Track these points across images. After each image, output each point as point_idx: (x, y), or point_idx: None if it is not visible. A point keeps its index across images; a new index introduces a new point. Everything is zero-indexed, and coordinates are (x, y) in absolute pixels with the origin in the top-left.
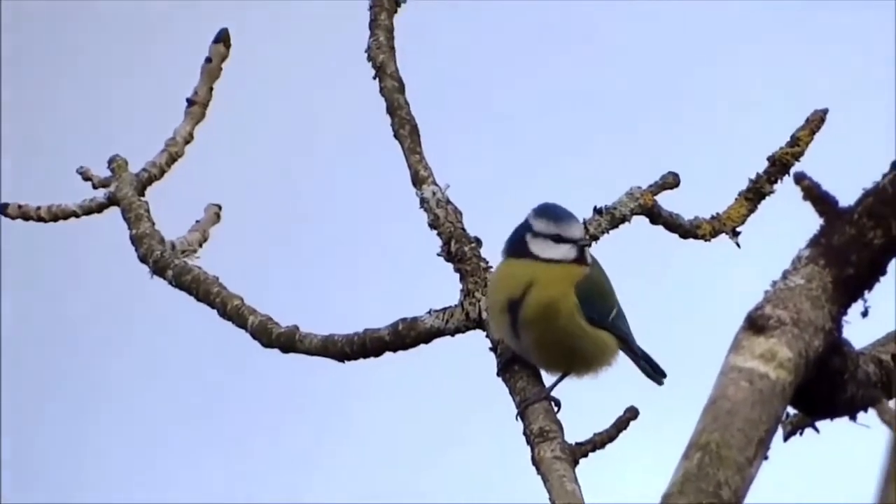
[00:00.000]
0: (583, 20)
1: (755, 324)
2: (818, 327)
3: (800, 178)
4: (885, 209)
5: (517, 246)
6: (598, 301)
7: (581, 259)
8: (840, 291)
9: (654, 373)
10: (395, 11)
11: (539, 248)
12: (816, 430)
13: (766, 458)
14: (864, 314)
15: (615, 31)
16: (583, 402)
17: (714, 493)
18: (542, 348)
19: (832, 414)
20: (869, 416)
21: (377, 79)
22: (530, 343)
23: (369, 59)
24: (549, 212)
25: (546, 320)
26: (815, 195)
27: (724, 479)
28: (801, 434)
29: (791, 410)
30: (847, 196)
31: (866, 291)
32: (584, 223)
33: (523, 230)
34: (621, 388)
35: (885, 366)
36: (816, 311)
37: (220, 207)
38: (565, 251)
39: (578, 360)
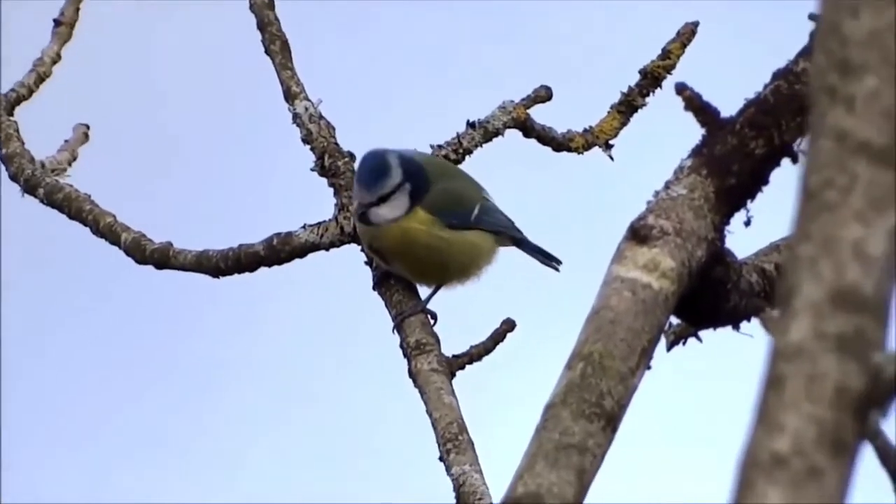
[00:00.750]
0: None
1: (638, 234)
2: (701, 237)
3: (681, 89)
4: (767, 119)
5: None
6: (452, 205)
7: (363, 223)
8: (723, 201)
9: (549, 259)
10: None
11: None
12: (699, 339)
13: (648, 367)
14: (747, 224)
15: None
16: (461, 315)
17: (597, 402)
18: (414, 271)
19: (715, 323)
20: (752, 326)
21: None
22: (403, 270)
23: None
24: (358, 167)
25: (407, 249)
26: (697, 105)
27: (606, 388)
28: (683, 344)
29: (674, 320)
30: (726, 109)
31: (749, 201)
32: (458, 137)
33: None
34: (501, 301)
35: (769, 275)
36: (699, 221)
37: (88, 127)
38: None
39: (453, 269)
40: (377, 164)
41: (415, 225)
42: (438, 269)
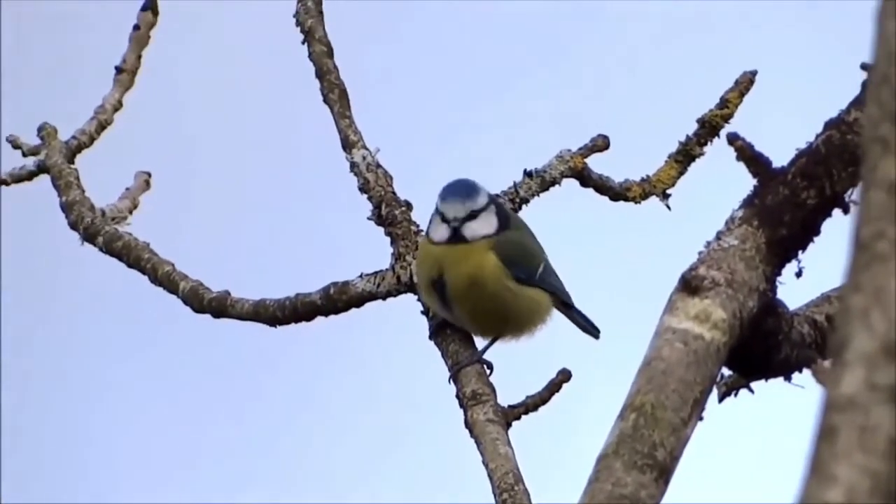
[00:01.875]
0: None
1: (689, 285)
2: (752, 288)
3: (733, 139)
4: (819, 169)
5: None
6: (522, 259)
7: (454, 239)
8: (774, 252)
9: (589, 327)
10: None
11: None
12: (751, 390)
13: (700, 418)
14: (798, 275)
15: None
16: (516, 365)
17: (649, 453)
18: (475, 317)
19: (767, 374)
20: (803, 377)
21: (306, 43)
22: (463, 315)
23: (297, 24)
24: (444, 189)
25: (474, 291)
26: (749, 156)
27: (659, 440)
28: (735, 395)
29: (726, 371)
30: (780, 158)
31: (800, 252)
32: (515, 187)
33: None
34: (556, 352)
35: (820, 326)
36: (750, 272)
37: (149, 175)
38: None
39: (513, 322)
40: (466, 183)
41: (489, 267)
42: (500, 319)
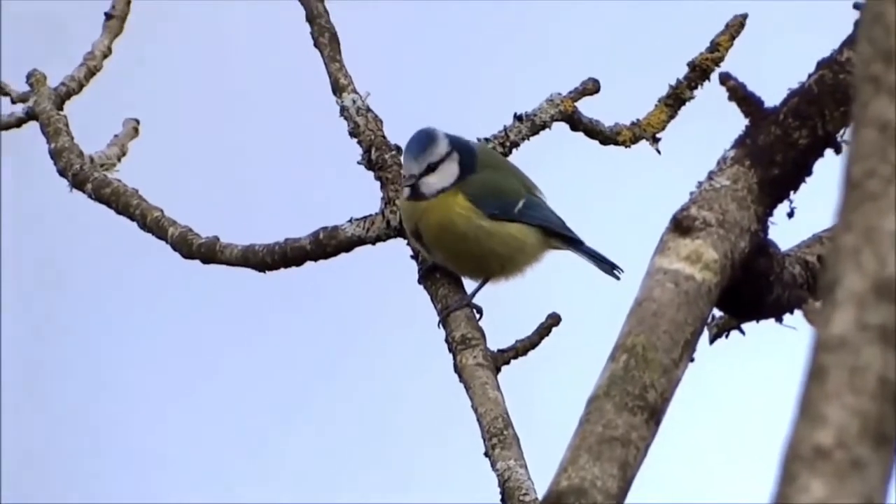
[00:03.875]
0: None
1: (681, 225)
2: (744, 228)
3: (725, 79)
4: (811, 109)
5: None
6: (492, 195)
7: (413, 196)
8: (765, 192)
9: (607, 265)
10: None
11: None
12: (742, 332)
13: (691, 359)
14: (790, 215)
15: None
16: (507, 309)
17: (640, 395)
18: (455, 259)
19: (758, 316)
20: (795, 318)
21: None
22: (444, 257)
23: None
24: (406, 145)
25: (446, 236)
26: (741, 95)
27: (650, 381)
28: (726, 336)
29: (717, 312)
30: (772, 99)
31: (792, 192)
32: (505, 130)
33: None
34: (546, 295)
35: (811, 267)
36: (742, 212)
37: (138, 122)
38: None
39: (494, 260)
40: (424, 134)
41: (455, 210)
42: (478, 259)
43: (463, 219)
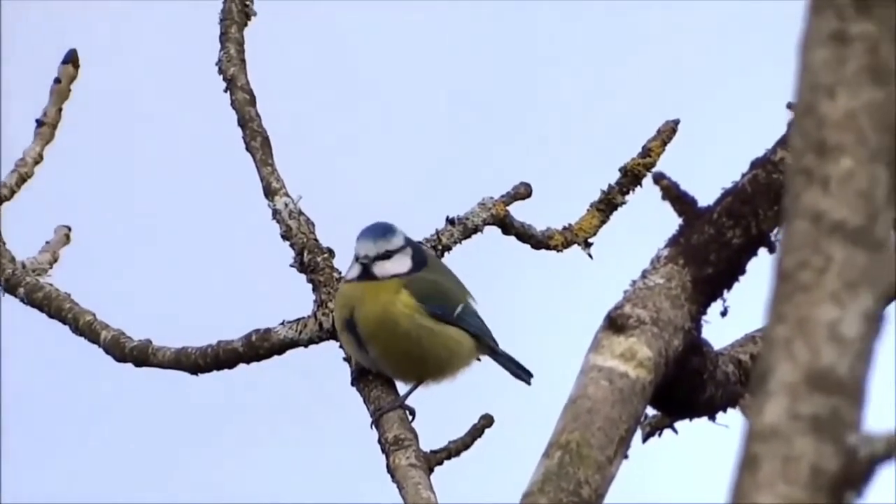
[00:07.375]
0: (431, 21)
1: (615, 323)
2: (678, 326)
3: (658, 178)
4: (744, 208)
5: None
6: (437, 296)
7: (364, 276)
8: (699, 291)
9: (520, 371)
10: (246, 25)
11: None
12: (675, 430)
13: (626, 457)
14: (724, 314)
15: (464, 33)
16: (439, 410)
17: (575, 491)
18: (391, 357)
19: (691, 414)
20: (728, 417)
21: (228, 91)
22: (378, 355)
23: (220, 71)
24: (361, 231)
25: (385, 328)
26: (674, 195)
27: (584, 477)
28: (659, 435)
29: (650, 411)
30: (706, 198)
31: (725, 291)
32: (437, 234)
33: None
34: (479, 396)
35: (744, 366)
36: (676, 311)
37: (69, 229)
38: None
39: (432, 362)
40: (384, 224)
41: (398, 307)
42: (415, 359)
43: (406, 318)
